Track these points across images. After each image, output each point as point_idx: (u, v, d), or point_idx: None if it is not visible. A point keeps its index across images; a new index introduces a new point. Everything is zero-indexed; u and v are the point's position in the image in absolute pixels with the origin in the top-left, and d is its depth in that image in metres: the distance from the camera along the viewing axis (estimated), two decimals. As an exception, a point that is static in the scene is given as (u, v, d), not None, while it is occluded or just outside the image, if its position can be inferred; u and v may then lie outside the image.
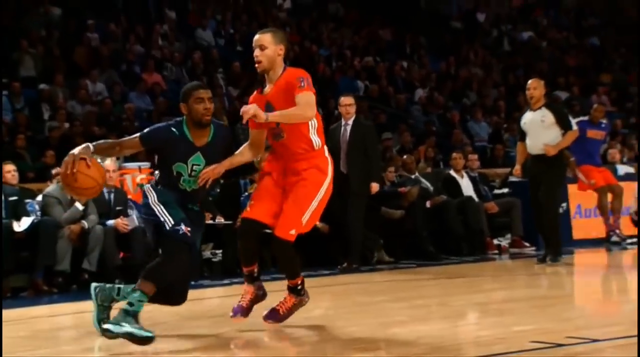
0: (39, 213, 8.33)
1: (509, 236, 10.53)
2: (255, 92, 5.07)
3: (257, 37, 4.96)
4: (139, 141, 4.89)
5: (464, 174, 10.66)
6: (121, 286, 5.06)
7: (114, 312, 4.79)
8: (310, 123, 4.90)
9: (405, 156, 10.89)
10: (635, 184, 11.38)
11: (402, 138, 13.10)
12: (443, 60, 17.66)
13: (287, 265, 5.13)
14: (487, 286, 7.64)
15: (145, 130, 4.97)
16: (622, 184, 10.58)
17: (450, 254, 9.74)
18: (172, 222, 4.72)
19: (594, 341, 4.37)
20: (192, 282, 8.22)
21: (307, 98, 4.78)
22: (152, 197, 4.86)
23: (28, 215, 8.15)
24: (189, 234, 4.69)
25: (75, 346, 4.93)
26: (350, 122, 8.74)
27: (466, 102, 16.00)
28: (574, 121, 8.96)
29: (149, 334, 4.44)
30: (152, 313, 6.26)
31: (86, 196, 5.20)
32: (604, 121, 10.70)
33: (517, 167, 8.94)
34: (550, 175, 8.52)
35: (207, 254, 9.22)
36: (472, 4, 21.47)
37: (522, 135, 8.83)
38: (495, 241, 10.35)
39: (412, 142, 13.08)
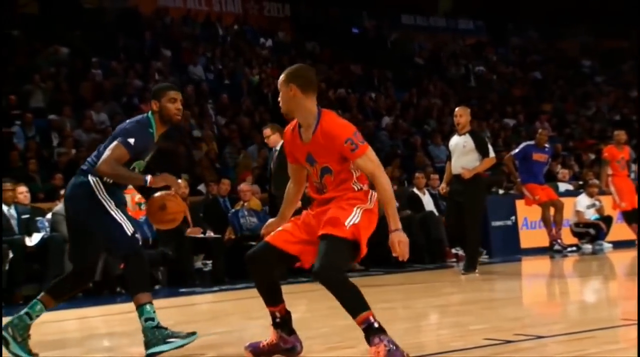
0: (48, 229, 8.26)
1: (465, 245, 10.57)
2: (288, 130, 3.99)
3: None
4: (128, 155, 4.28)
5: (426, 192, 10.71)
6: (26, 310, 4.38)
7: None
8: (353, 175, 3.85)
9: (373, 176, 10.90)
10: (574, 199, 11.49)
11: (371, 160, 13.12)
12: (406, 91, 17.75)
13: (339, 291, 3.71)
14: (446, 290, 7.64)
15: (131, 141, 4.26)
16: (562, 199, 10.67)
17: (414, 263, 9.75)
18: (132, 230, 4.28)
19: (539, 337, 4.38)
20: (185, 290, 8.25)
21: (371, 160, 3.76)
22: (106, 198, 4.28)
23: (38, 231, 8.09)
24: (140, 238, 4.36)
25: (80, 347, 4.88)
26: (278, 147, 8.39)
27: (427, 128, 16.08)
28: (491, 149, 8.69)
29: (192, 337, 4.21)
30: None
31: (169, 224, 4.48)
32: (547, 146, 10.78)
33: (443, 185, 8.79)
34: (468, 197, 8.30)
35: (198, 264, 9.17)
36: (432, 43, 21.66)
37: (450, 156, 8.69)
38: (453, 250, 10.36)
39: (380, 164, 13.10)
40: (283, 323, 4.01)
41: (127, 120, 4.47)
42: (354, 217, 3.77)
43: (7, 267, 7.58)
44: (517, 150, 10.62)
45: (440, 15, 23.85)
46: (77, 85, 13.73)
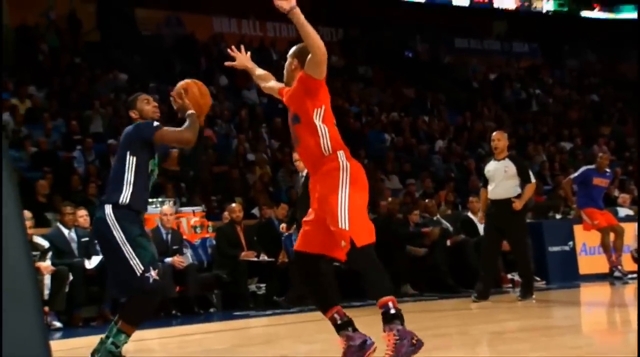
0: (106, 252, 8.41)
1: (521, 271, 10.39)
2: None
3: None
4: (155, 141, 4.40)
5: (480, 216, 10.55)
6: (110, 339, 4.34)
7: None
8: (319, 130, 3.97)
9: (427, 200, 10.84)
10: (635, 224, 11.20)
11: (425, 184, 13.07)
12: (460, 114, 17.64)
13: (365, 274, 3.81)
14: (502, 316, 7.51)
15: (157, 131, 4.42)
16: (622, 224, 10.40)
17: (469, 288, 9.59)
18: (142, 268, 4.17)
19: (600, 367, 4.27)
20: (239, 313, 8.29)
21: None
22: (119, 234, 4.21)
23: (98, 254, 8.24)
24: (158, 278, 4.22)
25: (137, 369, 4.94)
26: (304, 173, 8.23)
27: (481, 152, 15.93)
28: (532, 174, 8.53)
29: None
30: (206, 340, 6.27)
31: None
32: (608, 170, 10.53)
33: (481, 215, 8.67)
34: (510, 223, 8.16)
35: (252, 287, 9.22)
36: (486, 66, 21.52)
37: (485, 182, 8.48)
38: (509, 276, 10.19)
39: (434, 188, 13.03)
40: (346, 323, 3.97)
41: (128, 129, 4.48)
42: (343, 204, 3.79)
43: (66, 290, 7.74)
44: (576, 174, 10.42)
45: (494, 39, 23.71)
46: (135, 110, 14.04)
